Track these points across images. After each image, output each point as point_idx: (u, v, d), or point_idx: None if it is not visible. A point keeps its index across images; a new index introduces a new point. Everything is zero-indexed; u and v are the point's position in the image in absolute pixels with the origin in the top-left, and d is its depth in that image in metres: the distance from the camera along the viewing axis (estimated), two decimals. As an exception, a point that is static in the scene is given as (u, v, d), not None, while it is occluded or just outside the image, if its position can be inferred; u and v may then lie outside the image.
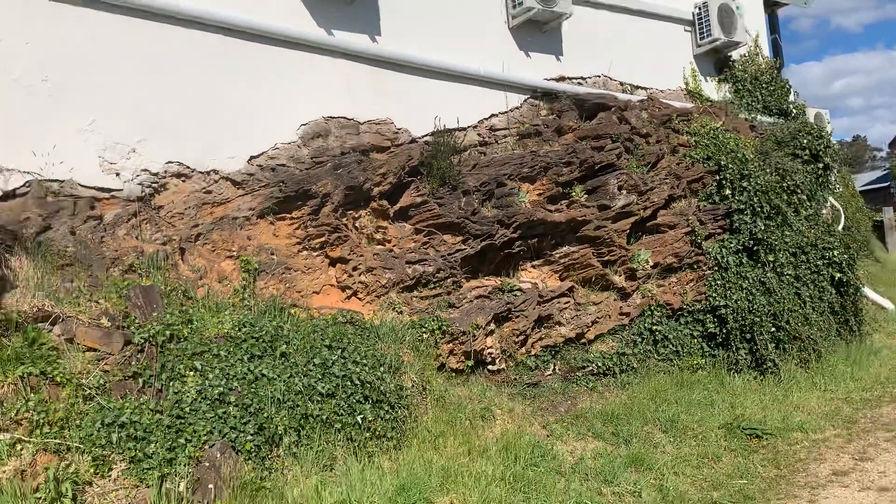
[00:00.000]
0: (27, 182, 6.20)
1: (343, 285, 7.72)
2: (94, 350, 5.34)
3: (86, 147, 6.56)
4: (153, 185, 6.94)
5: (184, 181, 7.13)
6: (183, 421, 5.19)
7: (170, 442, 5.03)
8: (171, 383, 5.40)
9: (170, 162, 7.05)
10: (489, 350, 8.05)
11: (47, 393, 4.93)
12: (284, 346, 6.10)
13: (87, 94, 6.61)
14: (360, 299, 7.74)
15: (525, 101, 9.99)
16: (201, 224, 7.08)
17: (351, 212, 7.90)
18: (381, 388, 6.25)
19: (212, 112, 7.30)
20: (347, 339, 6.55)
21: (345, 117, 8.22)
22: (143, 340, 5.50)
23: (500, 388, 7.95)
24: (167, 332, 5.65)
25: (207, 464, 5.05)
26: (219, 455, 5.10)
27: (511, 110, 9.81)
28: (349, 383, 6.12)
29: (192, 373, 5.50)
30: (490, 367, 8.13)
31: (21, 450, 4.66)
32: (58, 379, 5.00)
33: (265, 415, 5.53)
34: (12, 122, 6.21)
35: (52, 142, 6.34)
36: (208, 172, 7.26)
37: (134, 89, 6.86)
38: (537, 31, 10.16)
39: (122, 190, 6.73)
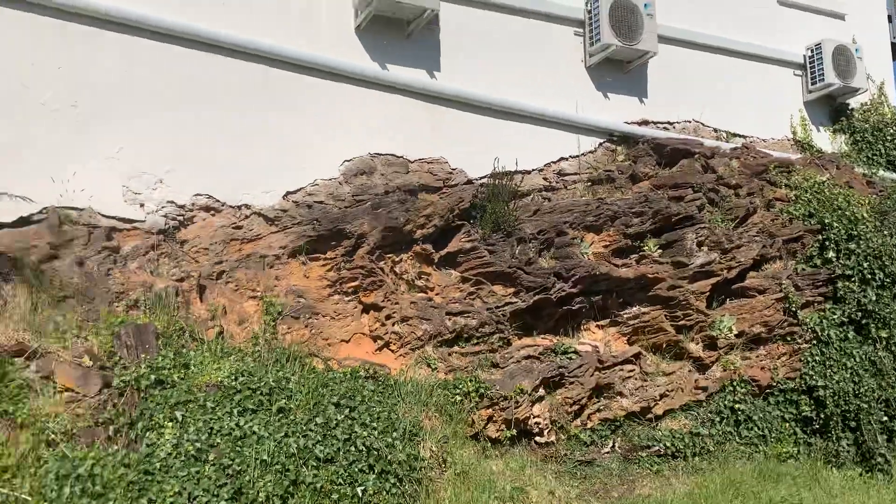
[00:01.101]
0: (43, 209, 5.98)
1: (375, 335, 7.08)
2: (70, 391, 4.93)
3: (110, 175, 6.33)
4: (178, 217, 6.62)
5: (212, 215, 6.78)
6: (150, 478, 4.66)
7: (130, 501, 4.49)
8: (146, 434, 4.90)
9: (198, 194, 6.71)
10: (536, 419, 7.14)
11: (7, 435, 4.53)
12: (284, 400, 5.51)
13: (117, 122, 6.40)
14: (392, 351, 7.07)
15: (600, 144, 9.15)
16: (226, 261, 6.67)
17: (390, 255, 7.29)
18: (390, 456, 5.52)
19: (249, 144, 6.95)
20: (361, 398, 5.88)
21: (393, 154, 7.69)
22: (123, 384, 5.07)
23: (545, 463, 7.01)
24: (152, 377, 5.19)
25: (166, 531, 4.47)
26: (181, 522, 4.52)
27: (583, 154, 8.99)
28: (353, 448, 5.43)
29: (171, 423, 4.99)
30: (537, 438, 7.21)
31: (-36, 497, 4.25)
32: (19, 420, 4.60)
33: (246, 478, 4.91)
34: (36, 146, 6.05)
35: (74, 168, 6.13)
36: (239, 207, 6.88)
37: (167, 118, 6.61)
38: (618, 71, 9.34)
39: (144, 221, 6.43)
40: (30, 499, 4.33)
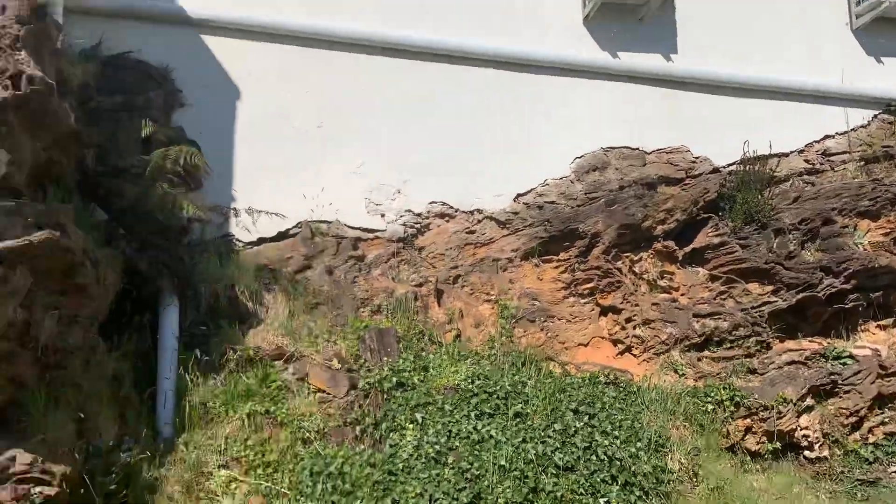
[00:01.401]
0: (298, 223, 6.47)
1: (614, 338, 6.73)
2: (322, 392, 5.23)
3: (353, 189, 6.68)
4: (416, 225, 6.82)
5: (447, 221, 6.90)
6: (393, 479, 4.77)
7: (375, 500, 4.63)
8: (389, 434, 5.04)
9: (433, 202, 6.87)
10: (804, 432, 6.31)
11: (269, 433, 4.91)
12: (521, 405, 5.39)
13: (356, 139, 6.76)
14: (634, 356, 6.67)
15: (874, 117, 7.95)
16: (461, 265, 6.74)
17: (627, 254, 6.91)
18: (635, 467, 5.17)
19: (478, 150, 6.98)
20: (601, 404, 5.60)
21: (627, 147, 7.29)
22: (368, 386, 5.26)
23: (816, 481, 6.16)
24: (394, 379, 5.33)
25: (409, 532, 4.55)
26: (422, 524, 4.57)
27: (853, 129, 7.87)
28: (593, 457, 5.16)
29: (412, 425, 5.09)
30: (806, 453, 6.37)
31: (235, 489, 4.65)
32: (280, 419, 4.96)
33: (485, 483, 4.85)
34: (290, 167, 6.55)
35: (322, 185, 6.56)
36: (472, 212, 6.93)
37: (400, 131, 6.85)
38: (893, 30, 8.03)
39: (385, 230, 6.71)
40: (288, 493, 4.63)
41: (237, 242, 6.31)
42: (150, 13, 6.45)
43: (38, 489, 3.82)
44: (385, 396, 5.26)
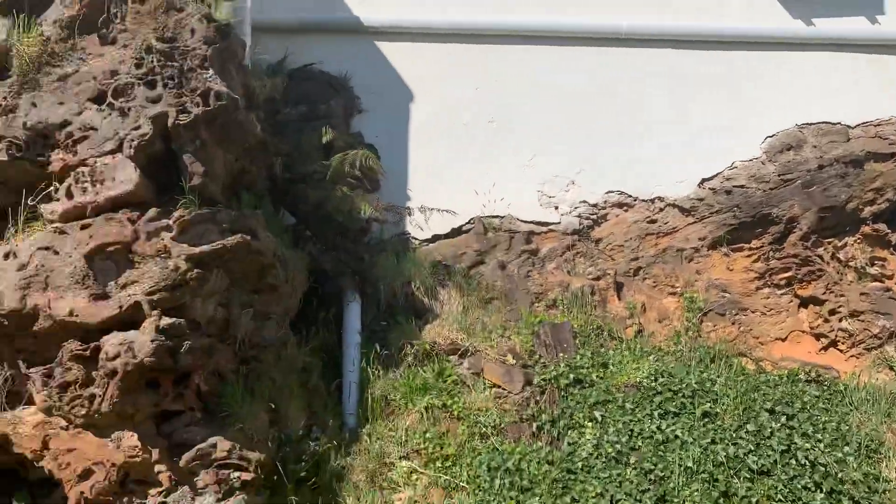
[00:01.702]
0: (471, 219, 6.51)
1: (817, 332, 6.12)
2: (497, 387, 5.21)
3: (525, 183, 6.61)
4: (591, 216, 6.62)
5: (625, 211, 6.63)
6: (572, 477, 4.65)
7: (554, 498, 4.54)
8: (567, 432, 4.92)
9: (610, 192, 6.63)
10: None
11: (446, 426, 4.97)
12: (709, 404, 5.05)
13: (527, 131, 6.67)
14: (840, 351, 6.03)
15: None
16: (642, 257, 6.45)
17: (830, 239, 6.25)
18: (842, 474, 4.65)
19: (657, 134, 6.63)
20: (800, 404, 5.11)
21: (826, 122, 6.60)
22: (543, 382, 5.17)
23: None
24: (571, 375, 5.20)
25: (589, 532, 4.40)
26: (603, 525, 4.41)
27: None
28: (793, 461, 4.72)
29: (590, 423, 4.93)
30: None
31: (416, 480, 4.76)
32: (456, 413, 5.01)
33: (670, 485, 4.59)
34: (461, 164, 6.61)
35: (493, 180, 6.55)
36: (652, 200, 6.61)
37: (573, 120, 6.66)
38: None
39: (559, 223, 6.57)
40: (467, 486, 4.66)
41: (413, 240, 6.47)
42: (330, 25, 6.77)
43: (236, 474, 4.13)
44: (562, 393, 5.14)
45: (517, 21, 6.77)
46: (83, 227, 3.90)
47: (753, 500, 4.55)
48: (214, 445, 4.11)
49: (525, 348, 5.45)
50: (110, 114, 3.96)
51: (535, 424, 4.96)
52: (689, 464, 4.67)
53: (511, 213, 6.55)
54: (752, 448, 4.78)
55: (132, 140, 3.90)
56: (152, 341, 3.72)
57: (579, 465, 4.70)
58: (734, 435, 4.86)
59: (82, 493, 3.97)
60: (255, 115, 4.77)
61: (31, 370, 3.91)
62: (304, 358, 5.11)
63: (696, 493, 4.54)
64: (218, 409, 4.38)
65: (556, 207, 6.62)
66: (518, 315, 5.88)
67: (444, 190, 6.54)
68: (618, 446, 4.77)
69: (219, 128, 4.15)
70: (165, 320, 3.82)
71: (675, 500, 4.53)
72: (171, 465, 4.02)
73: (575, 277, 6.24)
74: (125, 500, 4.05)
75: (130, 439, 3.93)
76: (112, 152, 3.92)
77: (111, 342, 3.76)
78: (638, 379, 5.22)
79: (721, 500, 4.55)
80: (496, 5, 6.77)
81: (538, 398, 5.11)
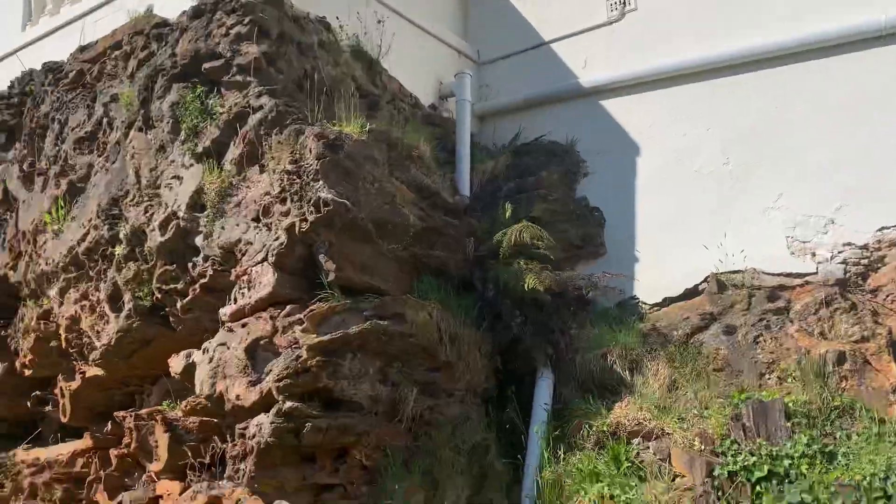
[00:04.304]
0: (707, 277, 5.75)
1: None
2: (682, 476, 4.48)
3: (768, 228, 5.63)
4: (861, 262, 5.29)
5: (910, 250, 5.12)
6: None
7: None
8: (745, 538, 3.98)
9: (884, 228, 5.21)
10: None
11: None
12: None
13: (770, 169, 5.73)
14: None
15: None
16: (933, 309, 4.88)
17: None
18: None
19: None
20: None
21: None
22: (727, 473, 4.26)
23: None
24: (766, 467, 4.19)
25: None
26: None
27: None
28: None
29: (778, 532, 3.91)
30: None
31: (573, 576, 4.38)
32: (625, 504, 4.46)
33: None
34: (694, 215, 5.96)
35: (732, 229, 5.73)
36: (948, 232, 4.99)
37: (827, 148, 5.53)
38: None
39: (815, 273, 5.39)
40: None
41: (643, 305, 5.99)
42: (553, 96, 6.86)
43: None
44: (752, 489, 4.17)
45: (753, 44, 5.92)
46: (243, 326, 4.73)
47: None
48: (349, 520, 4.44)
49: (719, 432, 4.57)
50: (260, 230, 4.78)
51: (711, 526, 4.13)
52: None
53: (754, 267, 5.60)
54: None
55: (272, 249, 4.63)
56: (271, 423, 4.29)
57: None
58: None
59: (257, 551, 4.67)
60: (410, 209, 5.15)
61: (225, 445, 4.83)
62: (480, 435, 5.14)
63: None
64: (378, 485, 4.72)
65: (813, 254, 5.47)
66: (741, 389, 4.95)
67: (675, 246, 5.98)
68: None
69: (342, 228, 4.63)
70: (288, 404, 4.35)
71: None
72: (321, 533, 4.48)
73: (825, 341, 5.00)
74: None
75: (282, 508, 4.51)
76: (262, 262, 4.71)
77: (252, 423, 4.45)
78: (864, 476, 3.95)
79: None
80: (718, 34, 6.07)
81: (720, 494, 4.23)
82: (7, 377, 7.03)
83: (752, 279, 5.56)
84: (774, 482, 4.16)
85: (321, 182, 4.55)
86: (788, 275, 5.48)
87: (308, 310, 4.55)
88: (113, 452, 5.97)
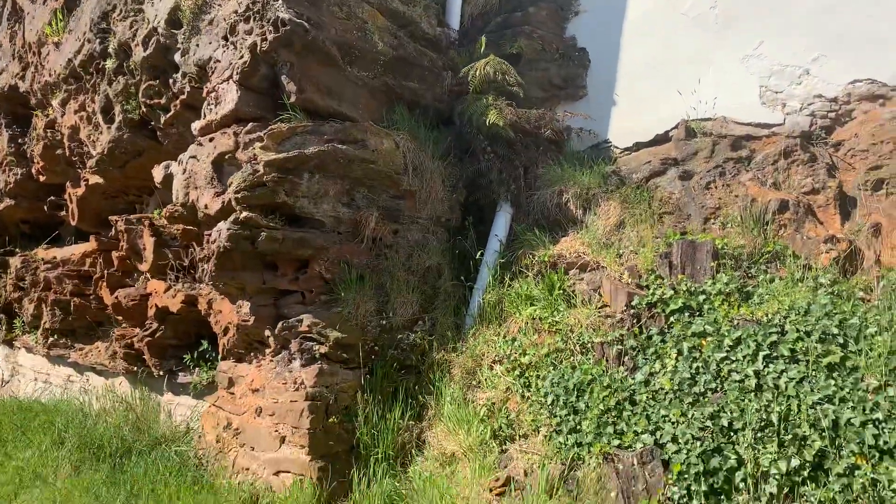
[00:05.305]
0: (678, 123, 5.77)
1: None
2: (607, 306, 4.79)
3: (745, 76, 5.53)
4: (829, 114, 5.21)
5: (880, 105, 5.03)
6: (630, 409, 4.17)
7: (600, 425, 4.16)
8: (649, 362, 4.32)
9: (855, 81, 5.10)
10: None
11: (539, 338, 4.85)
12: (846, 356, 3.82)
13: (756, 15, 5.52)
14: None
15: None
16: (885, 165, 4.88)
17: None
18: None
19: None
20: None
21: None
22: (644, 305, 4.55)
23: None
24: (680, 301, 4.46)
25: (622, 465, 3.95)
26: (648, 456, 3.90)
27: None
28: (930, 448, 3.35)
29: (676, 356, 4.24)
30: None
31: (498, 383, 4.83)
32: (552, 327, 4.83)
33: (738, 439, 3.76)
34: (676, 61, 5.84)
35: (710, 76, 5.66)
36: (919, 89, 4.88)
37: (813, -4, 5.28)
38: None
39: (782, 124, 5.36)
40: (532, 398, 4.55)
41: (614, 150, 6.07)
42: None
43: (316, 346, 4.88)
44: (666, 320, 4.47)
45: None
46: (210, 140, 5.04)
47: (855, 484, 3.43)
48: (300, 321, 4.92)
49: (646, 267, 4.82)
50: (228, 48, 4.96)
51: (616, 348, 4.47)
52: (774, 419, 3.70)
53: (724, 116, 5.59)
54: (882, 418, 3.53)
55: (237, 67, 4.83)
56: (228, 230, 4.68)
57: (643, 397, 4.16)
58: (862, 396, 3.63)
59: (224, 344, 5.25)
60: (382, 36, 5.23)
61: (198, 250, 5.30)
62: (437, 259, 5.50)
63: (767, 456, 3.62)
64: (334, 294, 5.16)
65: (784, 105, 5.39)
66: (683, 231, 5.13)
67: (654, 92, 5.94)
68: (695, 387, 4.04)
69: (302, 49, 4.76)
70: (245, 214, 4.71)
71: (733, 457, 3.69)
72: (273, 333, 4.99)
73: (774, 191, 5.08)
74: (251, 354, 5.21)
75: (243, 307, 5.01)
76: (228, 79, 4.93)
77: (214, 230, 4.86)
78: (766, 313, 4.19)
79: (806, 474, 3.55)
80: None
81: (635, 322, 4.55)
82: (26, 181, 7.63)
83: (721, 128, 5.56)
84: (686, 314, 4.44)
85: (280, 1, 4.65)
86: (758, 125, 5.45)
87: (269, 129, 4.81)
88: (114, 254, 6.58)
